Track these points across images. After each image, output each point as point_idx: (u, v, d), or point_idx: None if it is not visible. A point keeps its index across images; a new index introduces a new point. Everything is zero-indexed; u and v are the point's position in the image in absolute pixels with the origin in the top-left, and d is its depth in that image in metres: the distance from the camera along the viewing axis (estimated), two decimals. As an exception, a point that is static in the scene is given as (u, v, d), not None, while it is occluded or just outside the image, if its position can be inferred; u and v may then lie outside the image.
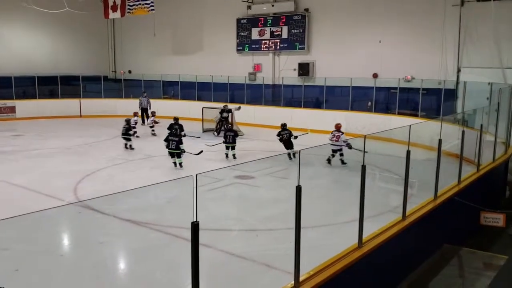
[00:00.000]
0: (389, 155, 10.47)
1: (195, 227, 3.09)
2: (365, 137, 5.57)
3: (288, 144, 13.68)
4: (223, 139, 13.90)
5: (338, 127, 13.07)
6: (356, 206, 5.65)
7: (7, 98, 22.58)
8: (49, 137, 17.60)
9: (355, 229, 5.67)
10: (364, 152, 5.42)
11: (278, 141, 13.85)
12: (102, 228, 7.27)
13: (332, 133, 13.02)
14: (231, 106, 18.99)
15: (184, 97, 24.33)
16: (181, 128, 15.17)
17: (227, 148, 13.72)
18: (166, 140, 12.65)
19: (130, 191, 3.64)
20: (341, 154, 12.38)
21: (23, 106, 22.68)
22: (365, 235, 5.70)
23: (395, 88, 17.83)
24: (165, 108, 23.73)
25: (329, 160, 12.54)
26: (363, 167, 5.40)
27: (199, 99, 23.23)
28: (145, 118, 21.04)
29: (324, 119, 18.77)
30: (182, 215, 7.98)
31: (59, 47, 26.61)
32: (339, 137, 12.65)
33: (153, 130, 18.19)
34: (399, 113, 17.56)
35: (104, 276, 6.13)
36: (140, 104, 21.85)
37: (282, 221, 8.12)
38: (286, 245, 7.19)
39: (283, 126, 14.04)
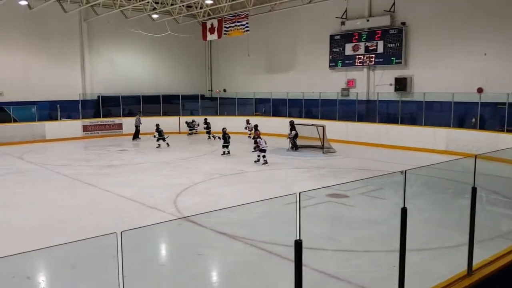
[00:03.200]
0: (496, 176, 9.65)
1: (298, 245, 3.04)
2: (475, 157, 5.16)
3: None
4: (223, 140, 17.40)
5: (258, 135, 16.08)
6: (460, 230, 5.25)
7: (115, 115, 24.54)
8: (150, 152, 18.75)
9: (460, 254, 5.25)
10: (475, 173, 5.02)
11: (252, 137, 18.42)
12: (200, 240, 7.51)
13: (259, 140, 15.54)
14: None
15: (275, 114, 24.65)
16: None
17: (225, 147, 17.28)
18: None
19: (235, 206, 3.69)
20: (264, 156, 15.32)
21: (129, 123, 24.48)
22: (474, 262, 5.24)
23: (503, 103, 16.43)
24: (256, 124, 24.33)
25: (258, 160, 15.43)
26: (474, 189, 5.00)
27: (290, 115, 23.37)
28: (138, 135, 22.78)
29: (423, 136, 17.89)
30: (275, 231, 8.01)
31: (160, 68, 28.54)
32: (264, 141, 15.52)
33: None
34: (507, 131, 16.14)
35: (202, 287, 6.29)
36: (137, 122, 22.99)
37: (378, 242, 7.80)
38: (383, 267, 6.88)
39: (255, 127, 18.82)
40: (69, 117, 23.86)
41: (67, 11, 22.83)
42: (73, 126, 23.13)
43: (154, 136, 19.94)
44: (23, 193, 11.96)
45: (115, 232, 2.75)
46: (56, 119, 22.99)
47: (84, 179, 13.34)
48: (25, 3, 21.32)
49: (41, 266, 6.34)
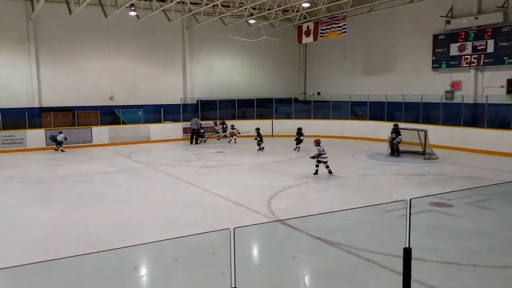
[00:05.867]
0: None
1: (407, 253, 2.88)
2: None
3: (299, 141, 19.18)
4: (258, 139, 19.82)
5: (319, 142, 14.20)
6: None
7: (213, 119, 25.45)
8: (245, 154, 19.19)
9: None
10: None
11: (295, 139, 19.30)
12: (295, 244, 7.48)
13: (321, 148, 13.93)
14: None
15: (372, 118, 23.89)
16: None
17: (259, 144, 19.59)
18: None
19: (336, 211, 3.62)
20: (327, 166, 13.94)
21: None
22: None
23: None
24: (351, 128, 23.75)
25: (316, 172, 13.97)
26: None
27: (389, 119, 22.48)
28: (194, 139, 23.02)
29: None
30: (373, 239, 7.71)
31: (255, 72, 29.20)
32: (324, 150, 13.99)
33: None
34: None
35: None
36: (192, 125, 22.93)
37: (487, 256, 7.22)
38: (492, 283, 6.33)
39: (299, 129, 19.33)
40: (171, 120, 25.30)
41: (171, 19, 24.25)
42: (175, 128, 24.45)
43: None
44: (130, 189, 12.92)
45: (228, 228, 2.82)
46: (160, 121, 24.49)
47: (184, 178, 14.04)
48: (135, 13, 23.02)
49: (146, 258, 6.75)
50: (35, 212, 10.52)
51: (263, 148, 19.58)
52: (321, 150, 13.88)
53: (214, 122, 24.37)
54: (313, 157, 14.05)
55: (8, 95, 22.09)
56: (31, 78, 22.77)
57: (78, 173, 15.15)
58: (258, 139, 19.74)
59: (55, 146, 20.54)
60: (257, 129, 19.87)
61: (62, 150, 20.29)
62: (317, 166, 14.00)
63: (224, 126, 24.27)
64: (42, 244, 8.10)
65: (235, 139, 22.75)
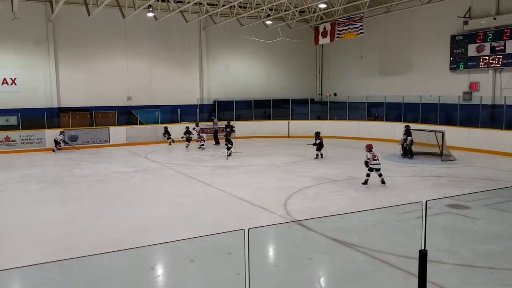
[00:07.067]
0: None
1: (423, 255, 2.89)
2: None
3: (319, 148, 17.71)
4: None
5: (370, 148, 12.92)
6: None
7: (229, 119, 25.56)
8: (262, 155, 19.23)
9: None
10: None
11: (313, 145, 17.79)
12: (310, 245, 7.50)
13: (369, 154, 12.72)
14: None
15: (389, 119, 23.72)
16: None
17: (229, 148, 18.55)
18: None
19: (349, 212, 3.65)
20: (380, 174, 12.68)
21: (241, 126, 25.35)
22: None
23: None
24: (368, 129, 23.62)
25: (366, 182, 12.68)
26: None
27: (405, 120, 22.29)
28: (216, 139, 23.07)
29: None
30: (389, 241, 7.68)
31: (271, 73, 29.23)
32: (376, 156, 12.73)
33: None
34: None
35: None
36: (214, 126, 22.95)
37: (505, 259, 7.15)
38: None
39: (317, 134, 17.95)
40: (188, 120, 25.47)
41: (188, 20, 24.44)
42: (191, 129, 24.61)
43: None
44: (147, 189, 13.05)
45: (242, 229, 2.87)
46: (177, 122, 24.68)
47: (201, 178, 14.15)
48: (152, 14, 23.26)
49: (162, 258, 6.83)
50: (53, 211, 10.74)
51: (231, 153, 18.48)
52: (369, 156, 12.69)
53: (196, 123, 22.94)
54: (365, 164, 12.81)
55: (27, 96, 22.55)
56: (50, 79, 23.19)
57: (95, 173, 15.38)
58: (228, 144, 18.55)
59: (54, 147, 20.71)
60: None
61: (54, 150, 20.50)
62: (368, 175, 12.65)
63: (233, 128, 23.64)
64: (60, 243, 8.25)
65: (202, 144, 21.62)
